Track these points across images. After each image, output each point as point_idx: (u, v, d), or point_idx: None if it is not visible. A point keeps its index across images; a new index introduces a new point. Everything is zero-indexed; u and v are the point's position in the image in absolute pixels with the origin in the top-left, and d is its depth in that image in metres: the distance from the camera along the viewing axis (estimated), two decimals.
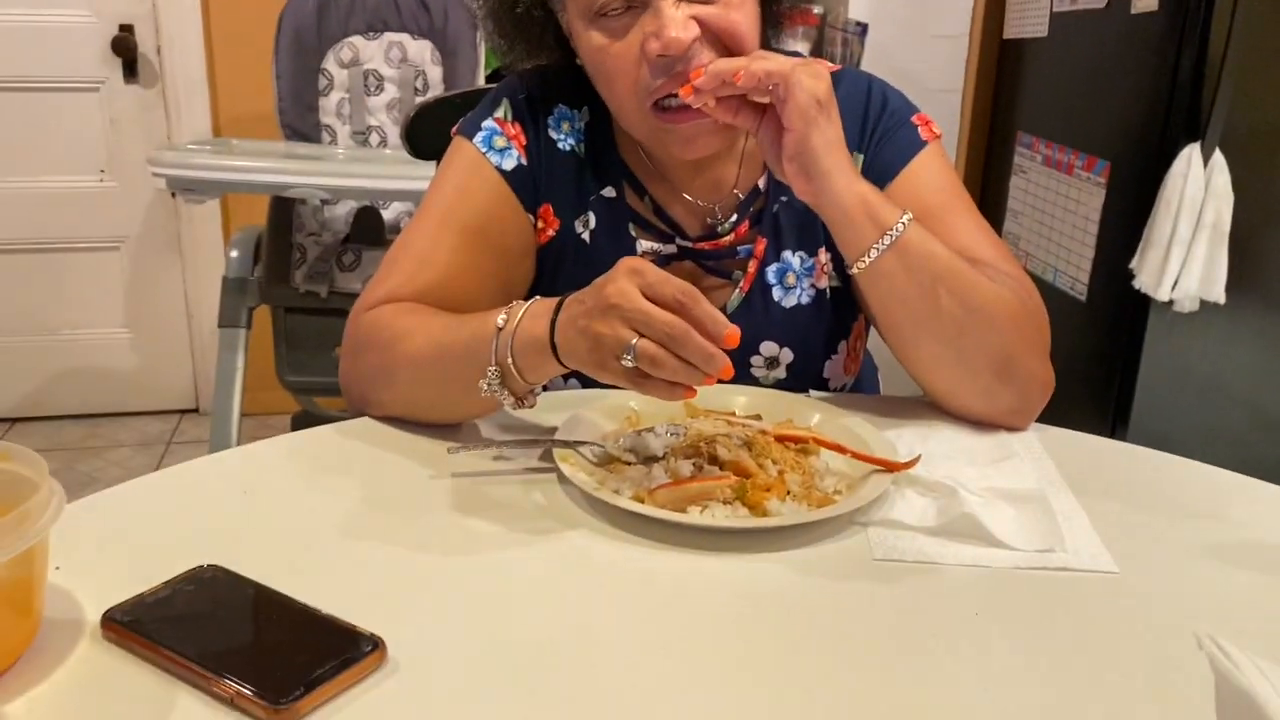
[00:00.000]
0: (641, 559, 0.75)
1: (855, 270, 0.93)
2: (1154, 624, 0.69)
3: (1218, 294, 2.23)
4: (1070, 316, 2.49)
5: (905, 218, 0.91)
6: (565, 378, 0.89)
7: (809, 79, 0.88)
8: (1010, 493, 0.83)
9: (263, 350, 2.47)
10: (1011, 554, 0.76)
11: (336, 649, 0.61)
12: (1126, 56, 2.35)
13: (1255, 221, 2.25)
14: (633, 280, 0.76)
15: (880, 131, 1.05)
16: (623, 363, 0.76)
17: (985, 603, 0.71)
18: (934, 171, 1.04)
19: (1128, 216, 2.33)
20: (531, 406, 0.88)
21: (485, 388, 0.85)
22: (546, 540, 0.77)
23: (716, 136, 0.97)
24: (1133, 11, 2.29)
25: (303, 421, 2.97)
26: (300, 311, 2.37)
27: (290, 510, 0.81)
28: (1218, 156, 2.15)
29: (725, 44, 0.93)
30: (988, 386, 0.95)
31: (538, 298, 0.86)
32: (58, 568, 0.68)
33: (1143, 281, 2.25)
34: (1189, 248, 2.19)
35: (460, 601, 0.69)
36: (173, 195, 2.60)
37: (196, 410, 3.22)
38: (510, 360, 0.84)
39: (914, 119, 1.06)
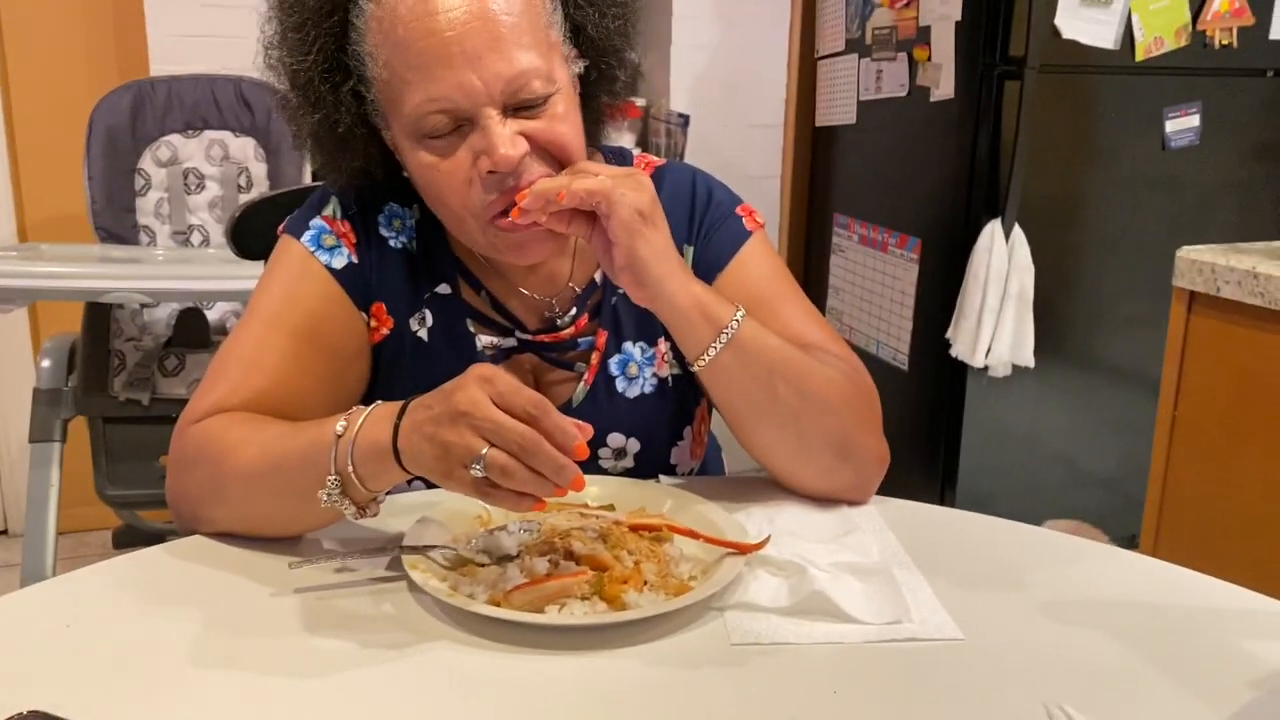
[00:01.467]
0: (501, 665, 0.74)
1: (696, 368, 0.95)
2: (1001, 687, 0.72)
3: (1027, 358, 2.38)
4: (894, 385, 2.61)
5: (739, 315, 0.94)
6: (410, 480, 0.87)
7: (630, 192, 0.90)
8: (856, 567, 0.85)
9: (76, 463, 2.32)
10: (863, 628, 0.78)
11: None
12: (929, 140, 2.52)
13: (1055, 289, 2.42)
14: (484, 389, 0.76)
15: (707, 224, 1.09)
16: (471, 472, 0.75)
17: (841, 679, 0.72)
18: (760, 260, 1.08)
19: (941, 289, 2.47)
20: (374, 515, 0.86)
21: (325, 498, 0.83)
22: (400, 655, 0.74)
23: (549, 244, 0.98)
24: (932, 99, 2.45)
25: (125, 537, 2.79)
26: (120, 421, 2.24)
27: (119, 643, 0.76)
28: (1017, 231, 2.32)
29: (553, 155, 0.95)
30: (828, 466, 0.99)
31: (379, 403, 0.85)
32: None
33: (959, 350, 2.38)
34: (998, 316, 2.34)
35: None
36: None
37: (4, 532, 2.99)
38: (351, 469, 0.82)
39: (738, 210, 1.10)
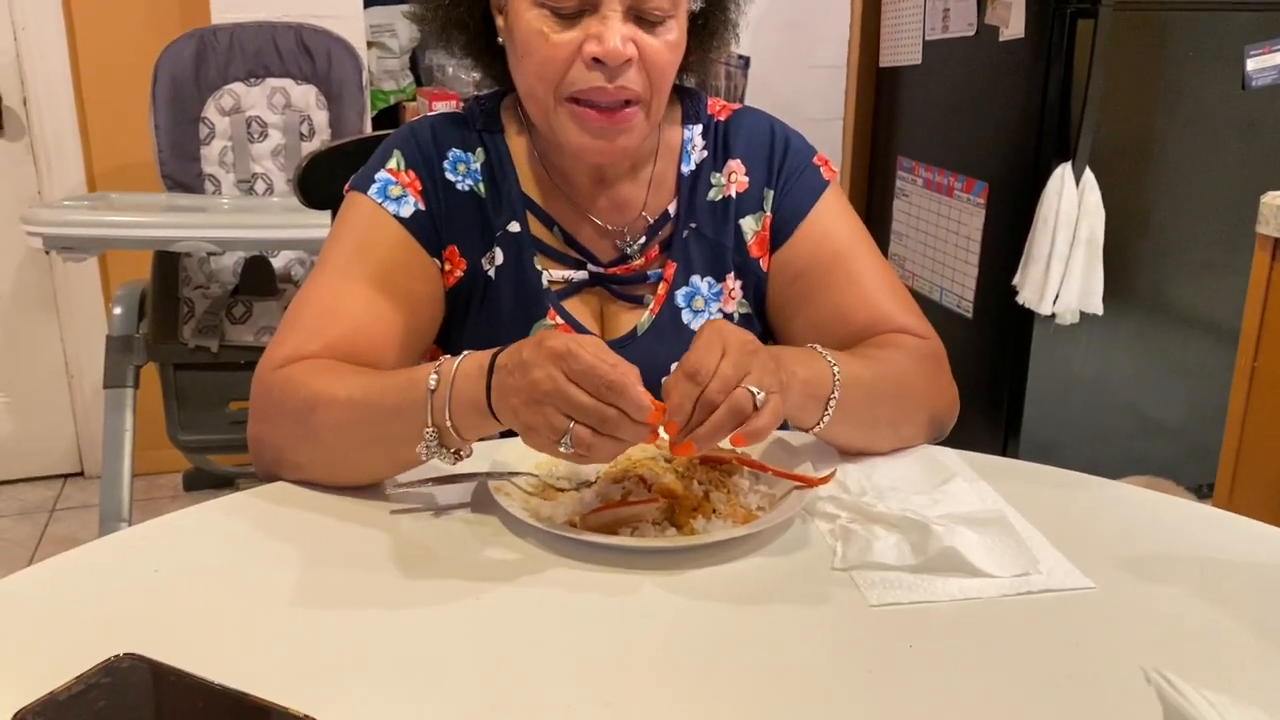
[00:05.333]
0: (576, 580, 0.78)
1: (811, 433, 0.95)
2: (1088, 646, 0.71)
3: (1096, 305, 2.33)
4: (958, 333, 2.57)
5: (835, 374, 0.91)
6: None
7: (770, 409, 0.80)
8: (967, 518, 0.83)
9: (148, 407, 2.38)
10: (995, 581, 0.77)
11: None
12: (998, 81, 2.45)
13: (1125, 235, 2.36)
14: (559, 366, 0.76)
15: (786, 172, 1.10)
16: (560, 449, 0.77)
17: (985, 633, 0.72)
18: (838, 214, 1.10)
19: (1007, 235, 2.42)
20: (469, 455, 0.88)
21: (424, 452, 0.85)
22: (489, 575, 0.78)
23: (628, 137, 1.00)
24: (1001, 38, 2.39)
25: (195, 480, 2.87)
26: (191, 368, 2.29)
27: (207, 587, 0.77)
28: (1088, 174, 2.26)
29: (650, 77, 0.98)
30: (916, 436, 1.02)
31: (466, 354, 0.85)
32: None
33: (1025, 297, 2.34)
34: (1067, 262, 2.29)
35: (398, 670, 0.67)
36: (47, 253, 2.49)
37: (81, 474, 3.08)
38: (449, 422, 0.84)
39: (815, 160, 1.11)
